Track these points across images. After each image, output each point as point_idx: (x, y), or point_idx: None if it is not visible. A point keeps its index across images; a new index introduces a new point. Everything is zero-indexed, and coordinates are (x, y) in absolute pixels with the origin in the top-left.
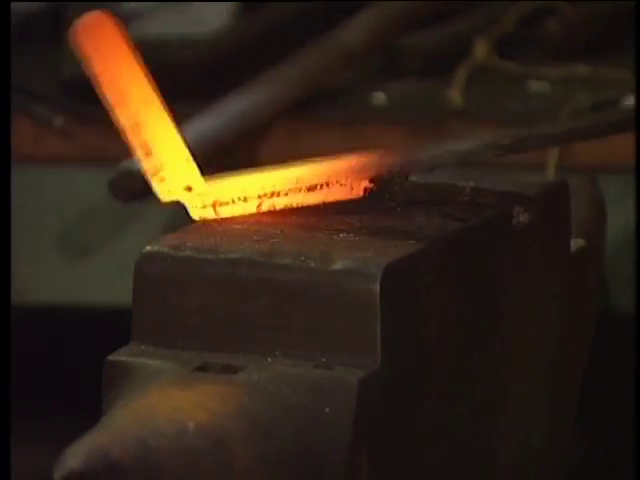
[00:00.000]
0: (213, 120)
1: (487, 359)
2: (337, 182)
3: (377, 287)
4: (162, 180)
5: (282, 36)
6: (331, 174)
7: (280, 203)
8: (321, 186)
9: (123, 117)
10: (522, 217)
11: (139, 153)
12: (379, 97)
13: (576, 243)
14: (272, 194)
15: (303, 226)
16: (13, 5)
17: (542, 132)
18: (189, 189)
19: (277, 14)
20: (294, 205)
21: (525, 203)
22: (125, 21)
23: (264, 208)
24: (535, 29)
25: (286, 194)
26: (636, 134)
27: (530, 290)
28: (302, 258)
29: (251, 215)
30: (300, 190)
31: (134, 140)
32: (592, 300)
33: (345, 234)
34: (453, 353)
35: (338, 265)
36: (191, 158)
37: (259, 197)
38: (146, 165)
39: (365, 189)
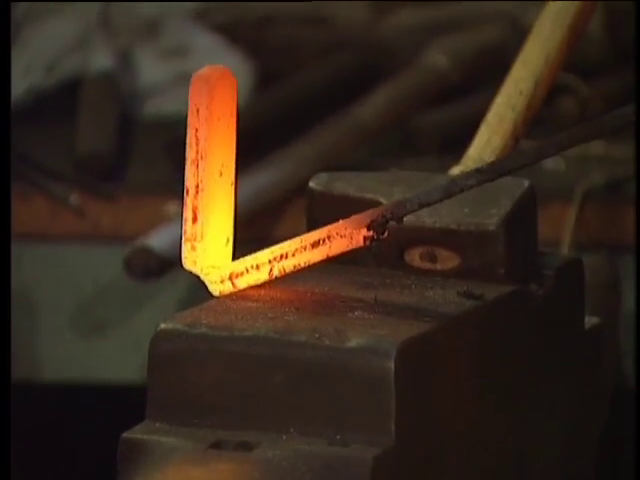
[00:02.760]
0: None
1: (502, 436)
2: (337, 234)
3: (392, 365)
4: (193, 249)
5: (298, 113)
6: (331, 228)
7: (289, 265)
8: (323, 241)
9: (192, 176)
10: (537, 294)
11: (187, 214)
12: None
13: (590, 320)
14: (281, 257)
15: (318, 303)
16: (30, 84)
17: (518, 153)
18: (213, 268)
19: (293, 92)
20: (302, 265)
21: (540, 280)
22: (142, 97)
23: (276, 273)
24: (550, 107)
25: (293, 254)
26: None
27: (545, 366)
28: (317, 335)
29: (266, 292)
30: (305, 249)
31: (189, 201)
32: (607, 377)
33: (360, 311)
34: (468, 430)
35: (353, 343)
36: (232, 240)
37: (270, 262)
38: (187, 228)
39: (364, 238)
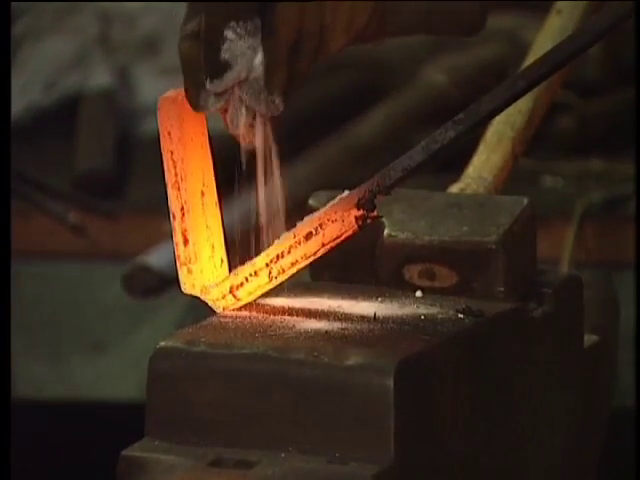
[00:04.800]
0: (227, 216)
1: (501, 452)
2: (328, 220)
3: (390, 382)
4: (189, 272)
5: (297, 132)
6: (321, 215)
7: (287, 263)
8: (316, 230)
9: (175, 199)
10: (536, 312)
11: (177, 238)
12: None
13: (589, 338)
14: (277, 257)
15: (316, 321)
16: (30, 101)
17: (489, 95)
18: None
19: (293, 110)
20: (300, 260)
21: (539, 298)
22: (141, 115)
23: (275, 274)
24: (549, 125)
25: (289, 252)
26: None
27: (543, 383)
28: (315, 353)
29: (265, 310)
30: (300, 243)
31: (176, 225)
32: (605, 395)
33: (359, 329)
34: (467, 446)
35: (351, 361)
36: (226, 260)
37: (267, 265)
38: (179, 252)
39: (356, 217)
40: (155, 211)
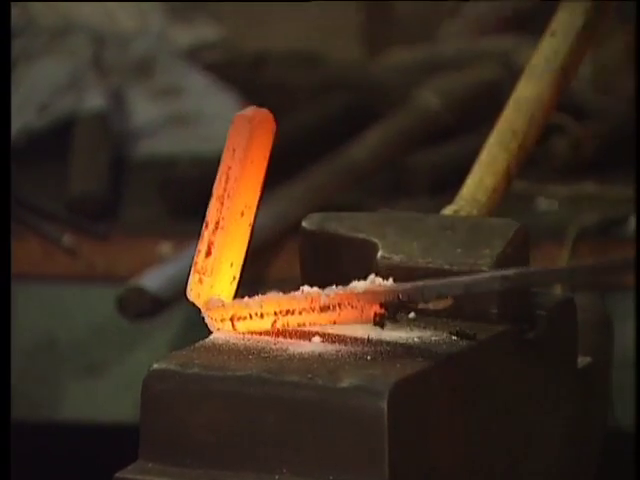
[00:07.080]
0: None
1: (496, 473)
2: (349, 304)
3: (384, 405)
4: (200, 282)
5: (291, 154)
6: (344, 296)
7: (294, 321)
8: (333, 307)
9: (215, 211)
10: (529, 334)
11: (202, 246)
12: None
13: (583, 360)
14: (287, 312)
15: (311, 343)
16: (23, 124)
17: (547, 269)
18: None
19: (285, 132)
20: (306, 324)
21: (532, 320)
22: (135, 137)
23: (278, 325)
24: (543, 147)
25: (300, 313)
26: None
27: (537, 405)
28: (309, 375)
29: (259, 332)
30: (313, 310)
31: (206, 234)
32: (599, 417)
33: (352, 351)
34: (461, 469)
35: (345, 383)
36: (237, 280)
37: (275, 314)
38: (198, 260)
39: (375, 314)
40: (149, 233)
